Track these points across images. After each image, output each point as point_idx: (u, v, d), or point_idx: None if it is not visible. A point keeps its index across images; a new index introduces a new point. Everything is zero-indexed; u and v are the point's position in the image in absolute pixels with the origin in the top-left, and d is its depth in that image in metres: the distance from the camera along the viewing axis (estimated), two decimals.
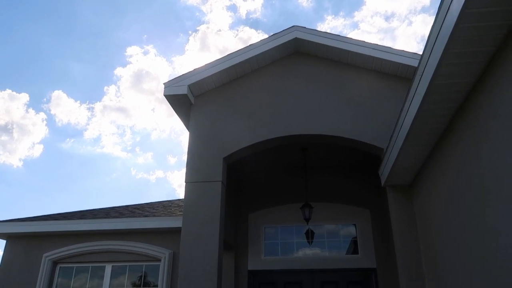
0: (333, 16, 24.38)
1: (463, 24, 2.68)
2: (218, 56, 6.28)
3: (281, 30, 6.26)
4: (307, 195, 7.22)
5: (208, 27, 23.80)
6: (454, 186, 3.84)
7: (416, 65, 3.95)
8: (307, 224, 7.10)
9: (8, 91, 21.45)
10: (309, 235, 7.43)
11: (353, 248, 7.32)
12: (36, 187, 24.55)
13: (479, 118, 3.23)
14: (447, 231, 4.06)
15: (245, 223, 7.63)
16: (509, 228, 2.82)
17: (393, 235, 5.28)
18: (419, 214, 5.02)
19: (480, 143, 3.24)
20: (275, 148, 6.35)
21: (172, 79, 6.11)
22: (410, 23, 24.60)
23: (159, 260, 6.49)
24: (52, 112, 23.27)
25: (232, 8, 23.43)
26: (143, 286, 6.59)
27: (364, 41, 5.99)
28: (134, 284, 6.63)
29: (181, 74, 6.16)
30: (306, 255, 7.34)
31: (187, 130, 6.46)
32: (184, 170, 5.87)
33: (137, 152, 26.88)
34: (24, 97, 21.93)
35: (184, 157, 5.95)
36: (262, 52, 6.17)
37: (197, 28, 24.56)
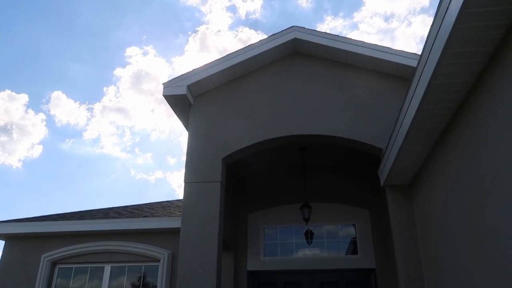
0: (332, 16, 24.40)
1: (462, 24, 2.68)
2: (218, 57, 6.29)
3: (281, 30, 6.27)
4: (306, 196, 7.21)
5: (207, 28, 23.81)
6: (454, 186, 3.84)
7: (415, 65, 3.95)
8: (307, 224, 7.09)
9: (8, 91, 21.46)
10: (309, 235, 7.43)
11: (353, 248, 7.32)
12: (36, 188, 24.54)
13: (478, 117, 3.23)
14: (447, 231, 4.06)
15: (244, 223, 7.62)
16: (509, 228, 2.82)
17: (392, 235, 5.27)
18: (419, 214, 5.02)
19: (479, 143, 3.24)
20: (274, 149, 6.34)
21: (171, 79, 6.11)
22: (410, 23, 24.63)
23: (158, 261, 6.48)
24: (52, 112, 23.27)
25: (232, 8, 23.45)
26: (142, 286, 6.58)
27: (363, 42, 6.00)
28: (133, 285, 6.62)
29: (180, 74, 6.16)
30: (306, 255, 7.33)
31: (186, 131, 6.46)
32: (183, 170, 5.88)
33: (136, 153, 26.88)
34: (24, 97, 21.93)
35: (184, 158, 5.96)
36: (261, 53, 6.17)
37: (197, 28, 24.58)
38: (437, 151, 4.22)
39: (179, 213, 6.51)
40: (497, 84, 2.88)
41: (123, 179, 26.77)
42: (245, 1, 22.40)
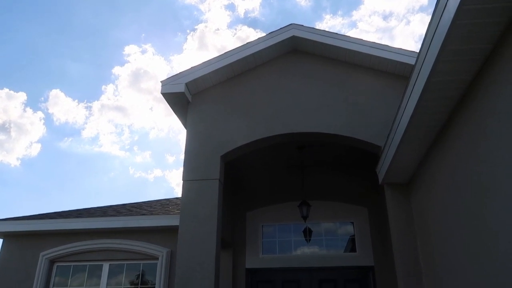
0: (331, 15, 24.38)
1: (460, 21, 2.68)
2: (216, 55, 6.27)
3: (279, 28, 6.26)
4: (305, 193, 7.22)
5: (206, 26, 23.76)
6: (452, 184, 3.84)
7: (413, 63, 3.95)
8: (305, 222, 7.10)
9: (6, 90, 21.40)
10: (307, 233, 7.43)
11: (351, 246, 7.33)
12: (34, 186, 24.49)
13: (476, 115, 3.23)
14: (445, 228, 4.06)
15: (243, 221, 7.62)
16: (507, 225, 2.83)
17: (390, 232, 5.28)
18: (417, 212, 5.03)
19: (477, 141, 3.24)
20: (272, 147, 6.34)
21: (169, 77, 6.09)
22: (408, 22, 24.62)
23: (157, 259, 6.47)
24: (50, 111, 23.21)
25: (230, 7, 23.41)
26: (140, 284, 6.58)
27: (361, 39, 5.99)
28: (131, 283, 6.62)
29: (178, 72, 6.14)
30: (304, 253, 7.34)
31: (185, 129, 6.44)
32: (182, 169, 5.86)
33: (135, 151, 26.85)
34: (22, 96, 21.86)
35: (182, 156, 5.95)
36: (260, 50, 6.16)
37: (195, 27, 24.54)
38: (435, 149, 4.23)
39: (178, 211, 6.51)
40: (496, 81, 2.87)
41: (122, 177, 26.75)
42: (244, 0, 22.37)
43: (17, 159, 23.59)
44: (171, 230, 6.22)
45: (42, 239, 6.84)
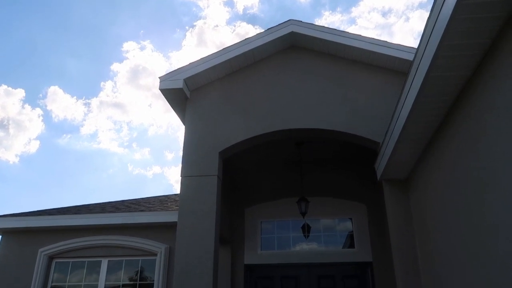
0: (330, 11, 24.32)
1: (459, 16, 2.67)
2: (215, 51, 6.25)
3: (278, 24, 6.23)
4: (303, 190, 7.22)
5: (205, 23, 23.69)
6: (450, 180, 3.84)
7: (412, 59, 3.94)
8: (304, 218, 7.10)
9: (4, 86, 21.33)
10: (306, 229, 7.44)
11: (350, 242, 7.34)
12: (33, 183, 24.46)
13: (475, 111, 3.22)
14: (443, 225, 4.06)
15: (242, 217, 7.63)
16: (506, 222, 2.83)
17: (389, 229, 5.28)
18: (415, 208, 5.03)
19: (476, 136, 3.23)
20: (271, 143, 6.34)
21: (168, 73, 6.08)
22: (407, 19, 24.57)
23: (155, 255, 6.47)
24: (48, 108, 23.16)
25: (229, 3, 23.34)
26: (139, 280, 6.58)
27: (360, 35, 5.98)
28: (130, 279, 6.62)
29: (177, 68, 6.12)
30: (303, 249, 7.35)
31: (183, 125, 6.43)
32: (181, 165, 5.86)
33: (134, 148, 26.82)
34: (20, 92, 21.81)
35: (181, 153, 5.94)
36: (258, 46, 6.14)
37: (194, 23, 24.46)
38: (434, 145, 4.22)
39: (176, 207, 6.50)
40: (495, 76, 2.87)
41: (121, 174, 26.74)
42: None
43: (16, 156, 23.57)
44: (170, 226, 6.22)
45: (41, 235, 6.83)
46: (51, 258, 6.77)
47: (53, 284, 6.68)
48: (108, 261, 6.68)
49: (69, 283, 6.70)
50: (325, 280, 7.08)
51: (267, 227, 7.60)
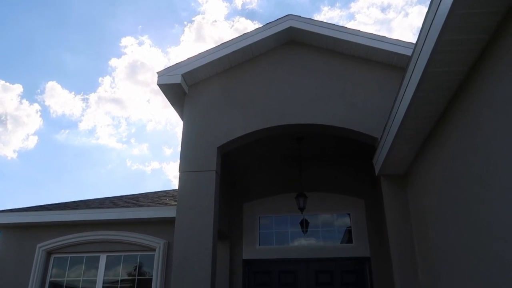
0: (329, 7, 24.25)
1: (458, 11, 2.66)
2: (213, 46, 6.23)
3: (276, 19, 6.21)
4: (302, 185, 7.23)
5: (203, 18, 23.62)
6: (448, 175, 3.85)
7: (411, 54, 3.94)
8: (302, 213, 7.12)
9: (2, 82, 21.25)
10: (304, 224, 7.46)
11: (348, 237, 7.37)
12: (31, 179, 24.46)
13: (473, 106, 3.22)
14: (441, 220, 4.08)
15: (240, 213, 7.64)
16: (504, 218, 2.84)
17: (387, 224, 5.30)
18: (413, 203, 5.04)
19: (474, 132, 3.24)
20: (269, 138, 6.34)
21: (166, 68, 6.06)
22: (406, 14, 24.53)
23: (154, 250, 6.49)
24: (46, 103, 23.10)
25: None
26: (138, 275, 6.60)
27: (359, 30, 5.96)
28: (129, 274, 6.63)
29: (175, 63, 6.10)
30: (301, 244, 7.38)
31: (182, 121, 6.42)
32: (179, 161, 5.85)
33: (132, 144, 26.81)
34: (18, 88, 21.74)
35: (180, 148, 5.93)
36: (257, 41, 6.12)
37: (193, 18, 24.38)
38: (432, 140, 4.23)
39: (175, 203, 6.51)
40: (493, 72, 2.87)
41: (119, 170, 26.74)
42: None
43: (14, 151, 23.54)
44: (168, 222, 6.22)
45: (39, 230, 6.83)
46: (49, 253, 6.78)
47: (52, 279, 6.70)
48: (107, 256, 6.69)
49: (68, 278, 6.71)
50: (323, 275, 7.11)
51: (265, 222, 7.62)
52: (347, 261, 7.16)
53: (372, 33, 5.90)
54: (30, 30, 19.65)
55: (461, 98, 3.43)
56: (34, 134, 23.88)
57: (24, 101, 22.82)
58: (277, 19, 6.19)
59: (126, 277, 6.60)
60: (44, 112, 23.19)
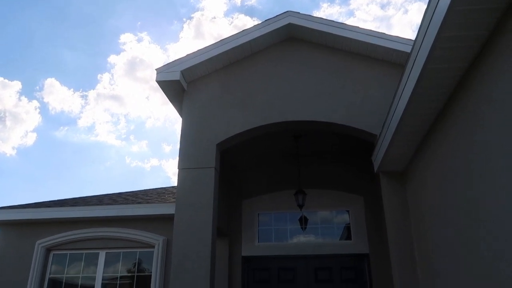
0: (328, 3, 24.19)
1: (457, 7, 2.65)
2: (212, 43, 6.21)
3: (275, 15, 6.19)
4: (301, 182, 7.23)
5: (202, 14, 23.54)
6: (447, 172, 3.85)
7: (410, 51, 3.93)
8: (301, 210, 7.12)
9: (0, 78, 21.20)
10: (303, 221, 7.47)
11: (347, 234, 7.38)
12: (30, 176, 24.44)
13: (472, 103, 3.22)
14: (440, 217, 4.08)
15: (239, 209, 7.65)
16: (502, 215, 2.84)
17: (386, 221, 5.31)
18: (412, 200, 5.05)
19: (473, 128, 3.23)
20: (268, 135, 6.33)
21: (165, 65, 6.04)
22: (406, 11, 24.48)
23: (153, 247, 6.49)
24: (45, 100, 23.06)
25: None
26: (137, 272, 6.60)
27: (358, 27, 5.95)
28: (128, 271, 6.64)
29: (174, 59, 6.09)
30: (300, 241, 7.39)
31: (181, 118, 6.41)
32: (178, 158, 5.85)
33: (131, 141, 26.79)
34: (17, 85, 21.69)
35: (179, 145, 5.92)
36: (256, 38, 6.11)
37: (192, 15, 24.29)
38: (431, 137, 4.22)
39: (174, 200, 6.50)
40: (492, 69, 2.86)
41: (118, 166, 26.73)
42: None
43: (13, 148, 23.53)
44: (167, 219, 6.21)
45: (38, 227, 6.83)
46: (48, 250, 6.78)
47: (51, 276, 6.70)
48: (106, 253, 6.69)
49: (67, 275, 6.72)
50: (322, 272, 7.13)
51: (264, 219, 7.63)
52: (346, 257, 7.17)
53: (372, 30, 5.89)
54: (29, 27, 19.59)
55: (461, 95, 3.42)
56: (33, 131, 23.86)
57: (23, 98, 22.78)
58: (276, 16, 6.17)
59: (126, 274, 6.61)
60: (43, 109, 23.17)
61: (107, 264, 6.65)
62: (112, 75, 24.18)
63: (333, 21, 6.05)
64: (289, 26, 6.16)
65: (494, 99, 2.85)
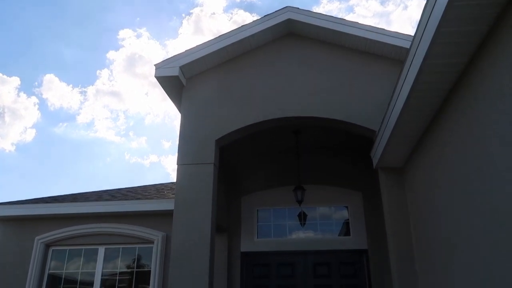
0: None
1: (457, 2, 2.64)
2: (211, 38, 6.19)
3: (274, 11, 6.17)
4: (300, 178, 7.23)
5: (201, 10, 23.47)
6: (446, 168, 3.85)
7: (409, 46, 3.93)
8: (300, 206, 7.13)
9: None
10: (302, 217, 7.48)
11: (345, 230, 7.40)
12: (29, 172, 24.44)
13: (472, 98, 3.21)
14: (438, 212, 4.09)
15: (238, 205, 7.66)
16: (501, 209, 2.84)
17: (384, 216, 5.32)
18: (411, 196, 5.05)
19: (472, 124, 3.23)
20: (268, 131, 6.32)
21: (164, 60, 6.03)
22: (406, 7, 24.42)
23: (152, 243, 6.51)
24: (44, 96, 23.03)
25: None
26: (136, 268, 6.62)
27: (357, 23, 5.93)
28: (128, 266, 6.66)
29: (173, 55, 6.07)
30: (299, 237, 7.41)
31: (180, 114, 6.40)
32: (177, 153, 5.84)
33: (131, 137, 26.78)
34: (15, 80, 21.65)
35: (178, 142, 5.92)
36: (255, 33, 6.08)
37: (191, 11, 24.23)
38: (430, 133, 4.22)
39: (173, 196, 6.51)
40: (492, 64, 2.85)
41: (118, 163, 26.74)
42: None
43: (12, 144, 23.51)
44: (167, 214, 6.23)
45: (38, 223, 6.84)
46: (48, 246, 6.80)
47: (51, 271, 6.72)
48: (105, 249, 6.71)
49: (67, 271, 6.73)
50: (321, 267, 7.15)
51: (263, 215, 7.64)
52: (344, 253, 7.19)
53: (371, 26, 5.87)
54: (28, 23, 19.52)
55: (460, 91, 3.42)
56: (32, 127, 23.84)
57: (21, 94, 22.74)
58: (275, 11, 6.15)
59: (125, 270, 6.63)
60: (42, 105, 23.14)
61: (106, 259, 6.67)
62: (111, 71, 24.15)
63: (333, 16, 6.03)
64: (289, 21, 6.14)
65: (494, 94, 2.84)
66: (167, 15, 24.64)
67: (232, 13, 25.08)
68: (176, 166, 5.72)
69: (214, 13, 23.77)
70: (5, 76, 21.15)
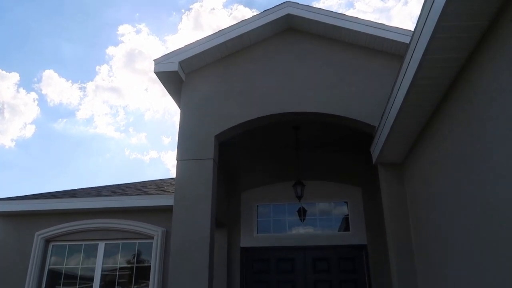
0: None
1: None
2: (210, 34, 6.17)
3: (274, 6, 6.15)
4: (299, 174, 7.24)
5: (201, 6, 23.39)
6: (445, 163, 3.85)
7: (409, 41, 3.91)
8: (299, 202, 7.14)
9: None
10: (301, 212, 7.49)
11: (345, 225, 7.41)
12: (29, 168, 24.46)
13: (472, 93, 3.21)
14: (437, 208, 4.09)
15: (238, 201, 7.67)
16: (500, 205, 2.84)
17: (384, 212, 5.32)
18: (410, 192, 5.06)
19: (472, 120, 3.23)
20: (267, 126, 6.32)
21: (163, 56, 6.01)
22: (406, 2, 24.33)
23: (152, 238, 6.52)
24: (44, 92, 23.00)
25: None
26: (136, 263, 6.63)
27: (357, 18, 5.90)
28: (128, 262, 6.67)
29: (172, 50, 6.05)
30: (299, 232, 7.42)
31: (179, 109, 6.39)
32: (176, 149, 5.84)
33: (130, 133, 26.77)
34: (14, 76, 21.61)
35: (177, 137, 5.91)
36: (254, 29, 6.07)
37: (190, 6, 24.14)
38: (429, 128, 4.22)
39: (172, 191, 6.51)
40: (491, 59, 2.85)
41: (118, 159, 26.75)
42: None
43: (12, 140, 23.49)
44: (166, 210, 6.23)
45: (37, 219, 6.85)
46: (48, 241, 6.81)
47: (51, 267, 6.73)
48: (105, 244, 6.72)
49: (67, 266, 6.75)
50: (321, 263, 7.17)
51: (263, 211, 7.65)
52: (344, 248, 7.21)
53: (371, 21, 5.85)
54: (27, 18, 19.45)
55: (460, 85, 3.41)
56: (32, 123, 23.82)
57: (21, 89, 22.72)
58: (275, 6, 6.12)
59: (125, 265, 6.64)
60: (41, 101, 23.11)
61: (106, 255, 6.68)
62: (111, 66, 24.10)
63: (332, 11, 6.02)
64: (288, 16, 6.12)
65: (493, 90, 2.84)
66: (166, 11, 24.57)
67: (231, 9, 25.01)
68: (175, 162, 5.72)
69: (213, 9, 23.70)
70: (4, 72, 21.12)
